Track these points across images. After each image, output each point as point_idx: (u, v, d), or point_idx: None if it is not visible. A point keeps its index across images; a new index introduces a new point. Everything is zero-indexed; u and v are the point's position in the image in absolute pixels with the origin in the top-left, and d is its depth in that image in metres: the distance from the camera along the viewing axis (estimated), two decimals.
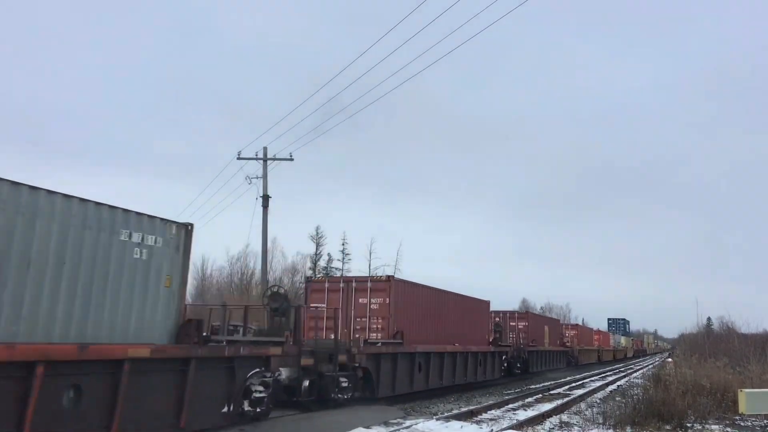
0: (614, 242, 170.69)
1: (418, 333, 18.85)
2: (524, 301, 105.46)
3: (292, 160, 28.83)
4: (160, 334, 10.02)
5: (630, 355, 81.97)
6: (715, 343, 29.45)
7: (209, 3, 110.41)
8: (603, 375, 35.38)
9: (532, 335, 33.36)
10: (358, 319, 17.61)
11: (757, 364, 18.35)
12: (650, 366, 45.12)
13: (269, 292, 15.31)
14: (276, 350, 12.49)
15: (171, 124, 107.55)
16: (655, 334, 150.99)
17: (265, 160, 28.98)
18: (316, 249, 64.30)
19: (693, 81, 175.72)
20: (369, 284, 18.13)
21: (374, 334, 17.63)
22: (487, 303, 26.09)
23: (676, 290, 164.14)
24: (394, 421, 13.03)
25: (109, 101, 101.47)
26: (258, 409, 11.69)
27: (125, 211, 9.53)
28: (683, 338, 51.48)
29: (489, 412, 15.42)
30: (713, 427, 12.87)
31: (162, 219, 10.24)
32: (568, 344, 44.25)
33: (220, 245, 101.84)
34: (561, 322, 53.04)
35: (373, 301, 17.71)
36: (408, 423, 12.41)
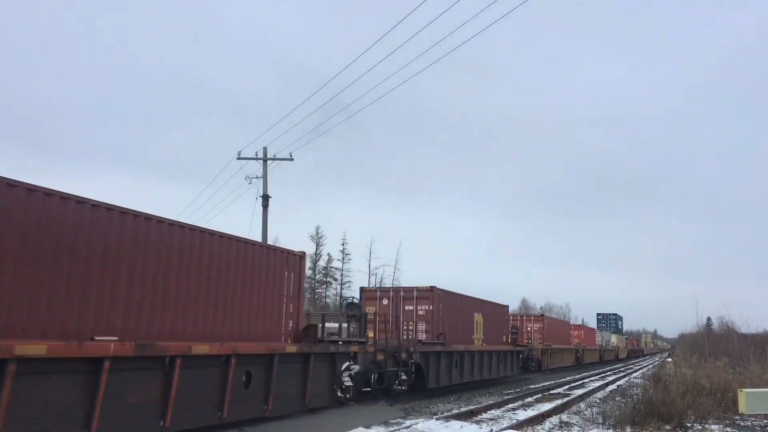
0: (614, 242, 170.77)
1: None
2: (524, 301, 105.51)
3: (292, 160, 28.87)
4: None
5: (623, 356, 72.53)
6: (715, 343, 29.47)
7: (210, 3, 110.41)
8: (603, 375, 35.41)
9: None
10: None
11: (757, 364, 18.37)
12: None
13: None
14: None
15: (171, 124, 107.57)
16: (654, 334, 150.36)
17: (265, 160, 28.98)
18: (316, 249, 64.46)
19: (693, 82, 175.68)
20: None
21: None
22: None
23: (676, 290, 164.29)
24: (394, 421, 13.03)
25: (110, 101, 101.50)
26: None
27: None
28: (683, 338, 51.47)
29: (489, 412, 15.42)
30: (713, 426, 12.87)
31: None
32: (527, 342, 33.77)
33: None
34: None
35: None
36: (408, 423, 12.41)
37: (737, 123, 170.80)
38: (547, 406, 16.44)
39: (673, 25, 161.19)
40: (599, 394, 21.40)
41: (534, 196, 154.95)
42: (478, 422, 13.26)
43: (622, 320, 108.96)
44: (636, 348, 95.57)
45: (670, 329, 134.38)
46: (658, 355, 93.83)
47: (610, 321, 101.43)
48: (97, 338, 8.84)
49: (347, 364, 14.95)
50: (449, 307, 21.60)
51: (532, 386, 24.75)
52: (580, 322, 76.37)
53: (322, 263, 65.40)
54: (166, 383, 9.71)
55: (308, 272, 60.60)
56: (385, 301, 20.86)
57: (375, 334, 17.65)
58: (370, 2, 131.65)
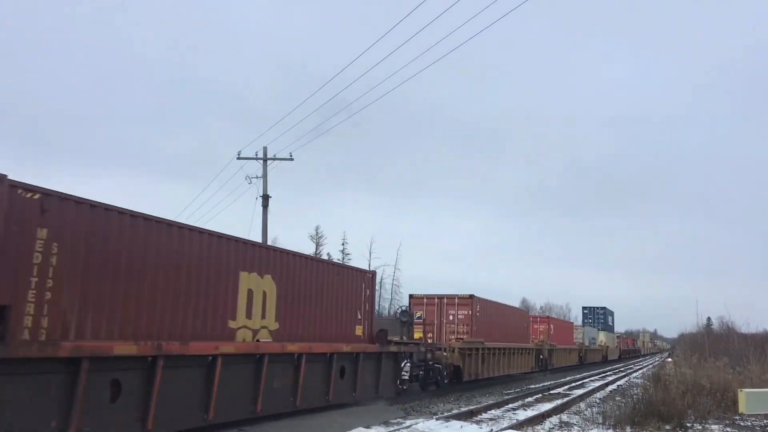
0: (614, 242, 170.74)
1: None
2: (524, 301, 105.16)
3: (292, 159, 28.86)
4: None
5: (613, 356, 61.89)
6: (715, 343, 29.46)
7: (211, 3, 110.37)
8: (603, 375, 35.40)
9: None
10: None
11: (757, 364, 18.36)
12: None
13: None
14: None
15: (172, 124, 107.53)
16: (654, 334, 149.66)
17: (265, 159, 28.97)
18: (316, 249, 64.39)
19: (697, 82, 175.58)
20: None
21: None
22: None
23: (676, 290, 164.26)
24: (394, 420, 13.03)
25: (111, 101, 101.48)
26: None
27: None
28: (683, 338, 51.44)
29: (489, 411, 15.41)
30: (713, 426, 12.87)
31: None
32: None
33: None
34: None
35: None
36: (408, 423, 12.42)
37: (739, 123, 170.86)
38: (547, 406, 16.44)
39: (679, 25, 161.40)
40: (599, 394, 21.39)
41: (534, 196, 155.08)
42: (478, 422, 13.26)
43: (613, 316, 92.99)
44: (631, 348, 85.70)
45: (670, 329, 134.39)
46: (658, 356, 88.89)
47: (597, 316, 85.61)
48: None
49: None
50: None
51: (532, 386, 24.74)
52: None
53: None
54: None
55: None
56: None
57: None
58: (371, 1, 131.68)
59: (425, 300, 24.07)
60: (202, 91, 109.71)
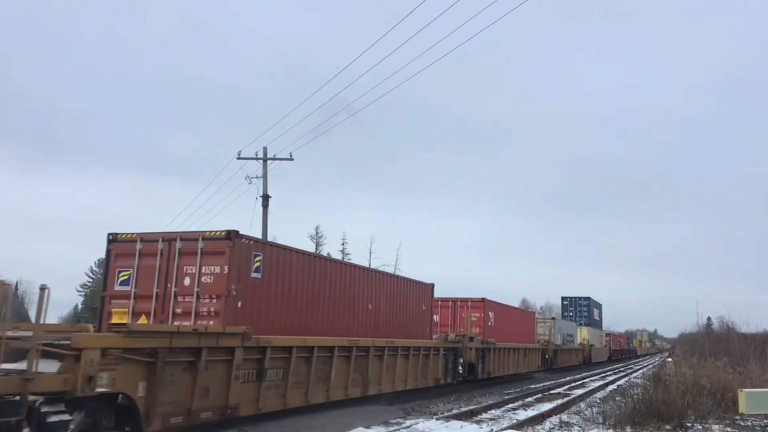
0: (614, 242, 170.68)
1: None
2: (524, 301, 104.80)
3: (292, 160, 28.85)
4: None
5: (600, 358, 52.87)
6: (715, 343, 29.47)
7: (211, 3, 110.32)
8: (603, 375, 35.39)
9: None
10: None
11: (757, 364, 18.34)
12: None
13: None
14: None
15: (171, 124, 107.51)
16: (654, 333, 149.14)
17: (265, 159, 28.95)
18: (316, 249, 64.25)
19: (697, 83, 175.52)
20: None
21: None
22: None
23: (676, 290, 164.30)
24: (394, 420, 13.02)
25: (112, 101, 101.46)
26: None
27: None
28: (683, 338, 51.39)
29: (489, 411, 15.41)
30: (713, 426, 12.85)
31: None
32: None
33: None
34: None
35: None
36: (408, 423, 12.41)
37: (739, 124, 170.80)
38: (547, 406, 16.43)
39: (678, 25, 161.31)
40: (599, 394, 21.38)
41: (534, 196, 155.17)
42: (478, 422, 13.25)
43: (600, 309, 77.38)
44: (624, 348, 76.11)
45: (670, 329, 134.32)
46: (658, 356, 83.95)
47: (580, 308, 70.79)
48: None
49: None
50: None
51: (532, 386, 24.74)
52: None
53: None
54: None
55: None
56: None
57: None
58: (371, 1, 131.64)
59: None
60: (203, 91, 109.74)
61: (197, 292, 12.04)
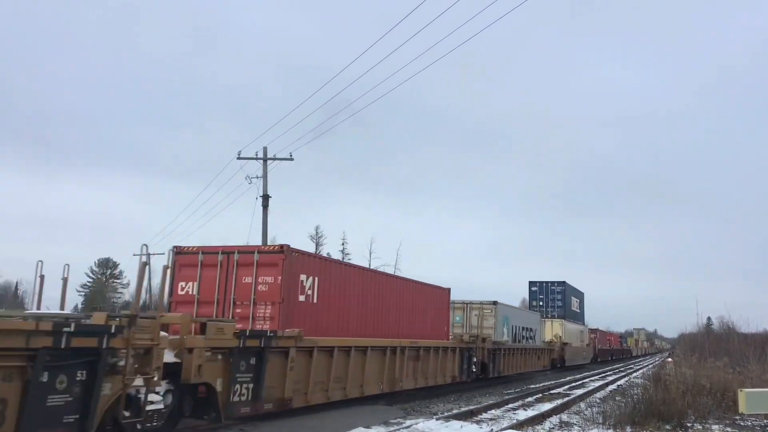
0: (615, 242, 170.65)
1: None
2: (524, 301, 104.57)
3: (292, 159, 28.85)
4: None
5: (580, 360, 45.01)
6: (715, 343, 29.43)
7: (211, 3, 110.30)
8: (603, 375, 35.39)
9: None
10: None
11: (757, 364, 18.35)
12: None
13: None
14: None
15: (173, 124, 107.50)
16: (653, 333, 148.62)
17: (265, 159, 28.95)
18: (316, 249, 64.25)
19: (702, 83, 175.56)
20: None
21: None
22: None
23: (677, 290, 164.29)
24: (394, 420, 13.02)
25: (113, 101, 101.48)
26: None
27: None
28: (683, 338, 51.32)
29: (489, 411, 15.40)
30: (713, 426, 12.85)
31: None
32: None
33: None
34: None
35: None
36: (408, 423, 12.41)
37: (741, 124, 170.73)
38: (547, 406, 16.42)
39: (681, 25, 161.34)
40: (599, 394, 21.38)
41: (535, 196, 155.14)
42: (478, 422, 13.25)
43: (582, 299, 59.02)
44: (616, 348, 67.78)
45: (670, 329, 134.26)
46: (657, 356, 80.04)
47: (552, 295, 50.94)
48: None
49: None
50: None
51: (532, 386, 24.74)
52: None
53: None
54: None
55: None
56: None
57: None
58: (372, 1, 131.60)
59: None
60: (203, 91, 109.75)
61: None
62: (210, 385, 10.21)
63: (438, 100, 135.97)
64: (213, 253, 14.07)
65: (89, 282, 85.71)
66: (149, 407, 8.68)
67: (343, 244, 64.32)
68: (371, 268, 19.41)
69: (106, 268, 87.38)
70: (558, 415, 15.06)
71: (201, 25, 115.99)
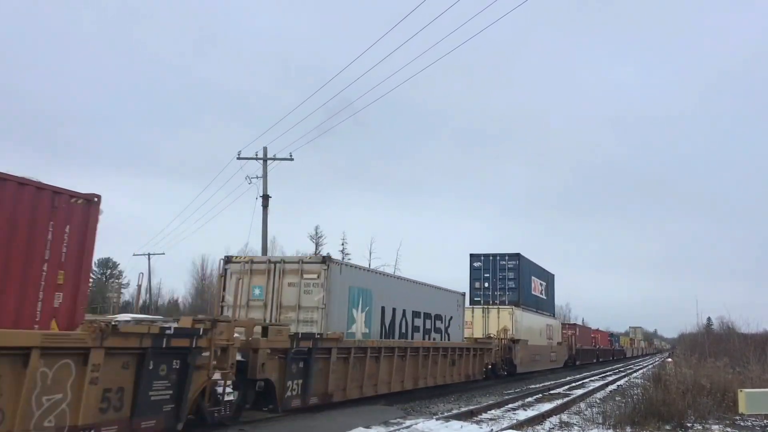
0: (615, 242, 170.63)
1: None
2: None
3: (291, 160, 28.88)
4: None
5: (539, 366, 33.46)
6: (715, 343, 29.45)
7: (212, 3, 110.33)
8: (603, 375, 35.40)
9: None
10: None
11: (757, 364, 18.35)
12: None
13: None
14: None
15: (173, 124, 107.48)
16: (654, 333, 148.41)
17: (265, 159, 28.96)
18: (316, 249, 64.24)
19: (703, 85, 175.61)
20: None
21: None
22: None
23: (677, 290, 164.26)
24: (394, 420, 13.01)
25: (113, 102, 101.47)
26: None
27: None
28: (683, 338, 51.32)
29: (489, 411, 15.39)
30: (713, 426, 12.85)
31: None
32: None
33: (221, 245, 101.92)
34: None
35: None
36: (408, 423, 12.40)
37: (742, 126, 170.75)
38: (547, 406, 16.41)
39: (684, 28, 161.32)
40: (599, 394, 21.37)
41: (536, 196, 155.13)
42: (478, 422, 13.24)
43: (552, 282, 44.37)
44: (605, 348, 58.19)
45: (670, 329, 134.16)
46: (657, 357, 73.36)
47: (502, 272, 34.09)
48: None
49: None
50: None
51: (533, 386, 24.74)
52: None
53: None
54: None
55: None
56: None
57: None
58: (372, 1, 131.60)
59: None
60: (203, 91, 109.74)
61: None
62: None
63: (438, 100, 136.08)
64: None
65: (89, 282, 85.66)
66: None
67: (343, 244, 64.27)
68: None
69: (106, 268, 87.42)
70: (558, 415, 15.05)
71: (201, 25, 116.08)
